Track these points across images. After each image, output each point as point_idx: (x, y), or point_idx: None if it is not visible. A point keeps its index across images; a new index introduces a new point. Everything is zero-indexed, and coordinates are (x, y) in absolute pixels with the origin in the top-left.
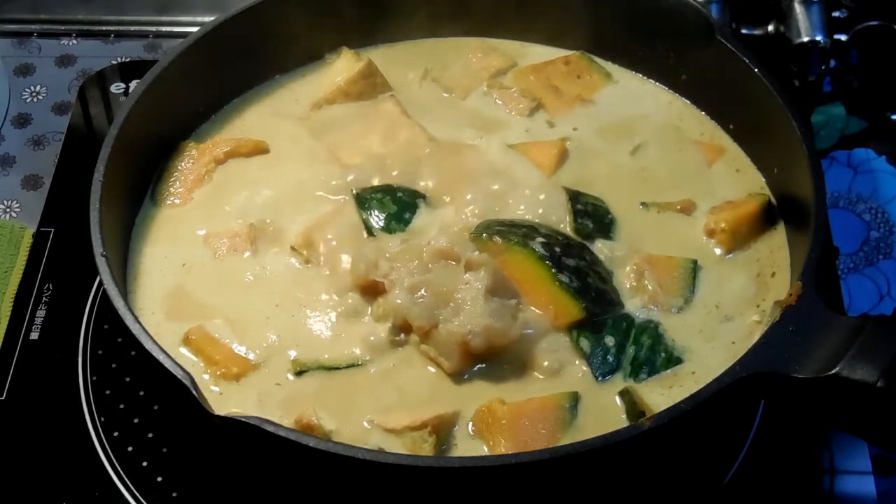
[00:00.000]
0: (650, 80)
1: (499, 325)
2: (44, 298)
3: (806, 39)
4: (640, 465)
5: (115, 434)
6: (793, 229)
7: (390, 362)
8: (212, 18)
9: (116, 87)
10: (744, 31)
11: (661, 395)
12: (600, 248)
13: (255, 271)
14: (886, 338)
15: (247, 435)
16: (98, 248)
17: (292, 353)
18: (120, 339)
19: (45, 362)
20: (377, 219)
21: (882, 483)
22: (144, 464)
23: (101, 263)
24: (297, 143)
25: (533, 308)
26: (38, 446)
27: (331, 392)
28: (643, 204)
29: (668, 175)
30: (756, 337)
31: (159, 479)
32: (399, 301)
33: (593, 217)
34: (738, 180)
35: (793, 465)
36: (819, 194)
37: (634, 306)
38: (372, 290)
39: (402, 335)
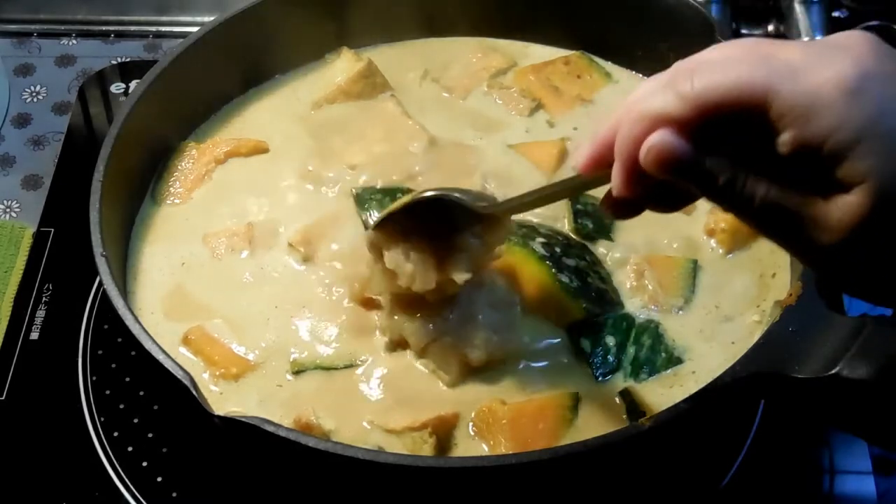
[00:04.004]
0: None
1: (497, 339)
2: (44, 298)
3: (806, 39)
4: (640, 464)
5: (115, 434)
6: None
7: (390, 363)
8: (212, 18)
9: (116, 87)
10: (744, 31)
11: (661, 395)
12: (600, 248)
13: (254, 271)
14: (886, 338)
15: (246, 435)
16: (98, 248)
17: (292, 354)
18: (120, 339)
19: (45, 362)
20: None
21: (882, 483)
22: (144, 464)
23: (101, 263)
24: (297, 142)
25: (533, 308)
26: (38, 446)
27: (331, 392)
28: None
29: None
30: (756, 337)
31: (159, 479)
32: (395, 317)
33: (593, 217)
34: None
35: (793, 465)
36: None
37: (634, 306)
38: (370, 304)
39: (400, 350)
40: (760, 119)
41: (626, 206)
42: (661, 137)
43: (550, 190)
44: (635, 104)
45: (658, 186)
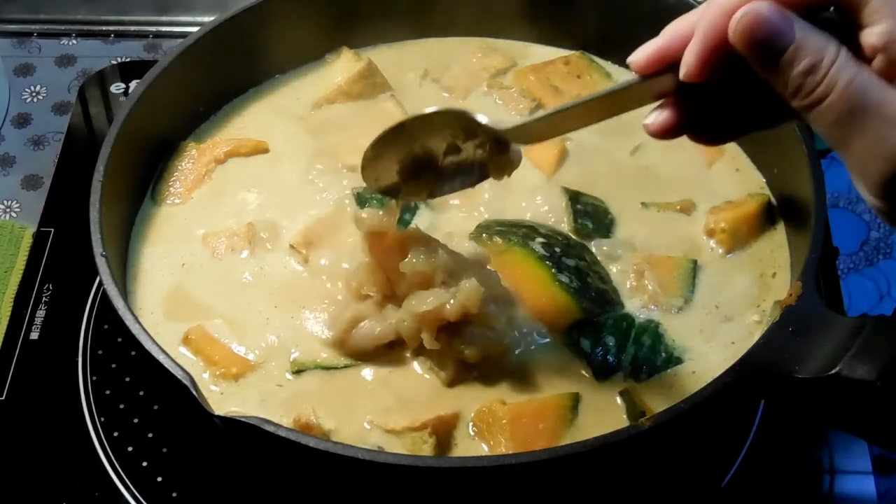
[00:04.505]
0: None
1: (492, 334)
2: (44, 298)
3: None
4: (640, 464)
5: (115, 434)
6: (793, 229)
7: (390, 363)
8: (212, 18)
9: (116, 87)
10: None
11: (661, 395)
12: (600, 248)
13: (254, 271)
14: (886, 338)
15: (246, 435)
16: (98, 248)
17: (291, 353)
18: (120, 339)
19: (45, 362)
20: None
21: (882, 483)
22: (144, 464)
23: (101, 263)
24: (297, 142)
25: (532, 308)
26: (38, 446)
27: (331, 392)
28: (643, 204)
29: (668, 175)
30: (756, 337)
31: (159, 479)
32: (391, 315)
33: (593, 217)
34: (738, 180)
35: (793, 465)
36: (819, 194)
37: (634, 306)
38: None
39: (397, 347)
40: (851, 14)
41: (669, 121)
42: (758, 5)
43: (579, 104)
44: None
45: (728, 75)
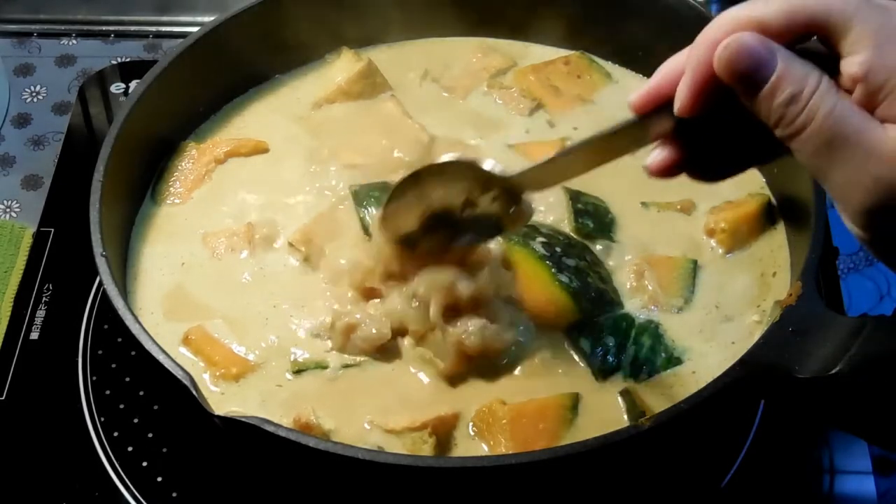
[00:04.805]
0: None
1: (494, 327)
2: (44, 298)
3: None
4: (640, 464)
5: (115, 434)
6: (793, 229)
7: (390, 363)
8: (212, 18)
9: (116, 87)
10: None
11: (661, 395)
12: (600, 247)
13: (254, 271)
14: (886, 338)
15: (246, 435)
16: (98, 248)
17: (291, 353)
18: (120, 339)
19: (45, 362)
20: (374, 218)
21: (882, 483)
22: (144, 464)
23: (101, 263)
24: (297, 142)
25: (532, 308)
26: (38, 446)
27: (331, 392)
28: (643, 203)
29: None
30: (756, 337)
31: (159, 479)
32: (396, 305)
33: (593, 217)
34: (738, 180)
35: (793, 465)
36: (819, 194)
37: (634, 306)
38: (370, 294)
39: (399, 338)
40: (834, 44)
41: (667, 161)
42: (742, 35)
43: (582, 146)
44: (720, 16)
45: (719, 109)
